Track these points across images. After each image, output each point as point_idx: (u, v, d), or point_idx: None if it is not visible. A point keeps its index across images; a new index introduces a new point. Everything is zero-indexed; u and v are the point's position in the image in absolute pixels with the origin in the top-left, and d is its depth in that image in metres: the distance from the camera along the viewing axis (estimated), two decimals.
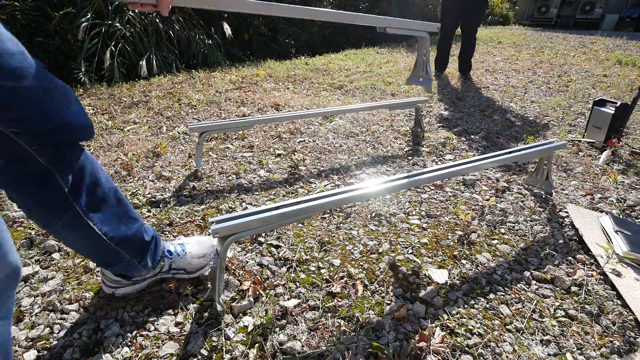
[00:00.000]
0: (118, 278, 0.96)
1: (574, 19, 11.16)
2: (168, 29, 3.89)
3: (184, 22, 4.04)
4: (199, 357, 0.84)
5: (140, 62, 3.45)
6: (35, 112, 0.61)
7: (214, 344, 0.87)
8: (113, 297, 1.00)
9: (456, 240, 1.28)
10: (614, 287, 1.08)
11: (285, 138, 2.18)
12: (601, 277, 1.12)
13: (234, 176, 1.71)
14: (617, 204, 1.54)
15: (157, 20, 3.77)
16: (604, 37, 7.28)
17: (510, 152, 1.39)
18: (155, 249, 0.95)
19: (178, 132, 2.25)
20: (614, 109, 2.05)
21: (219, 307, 0.94)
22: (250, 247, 1.22)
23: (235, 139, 2.15)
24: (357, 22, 1.68)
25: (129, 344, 0.87)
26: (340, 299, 1.01)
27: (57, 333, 0.90)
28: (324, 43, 6.08)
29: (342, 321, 0.94)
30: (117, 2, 3.47)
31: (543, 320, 0.97)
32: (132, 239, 0.87)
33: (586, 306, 1.01)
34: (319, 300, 1.00)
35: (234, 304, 0.98)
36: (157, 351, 0.85)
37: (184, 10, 4.12)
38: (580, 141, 2.16)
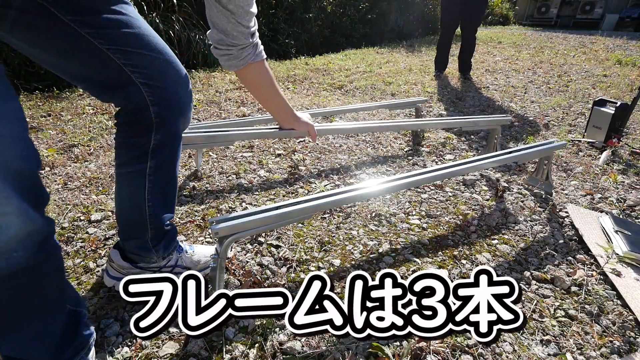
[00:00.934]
0: (125, 263, 0.96)
1: (574, 19, 11.16)
2: (168, 29, 3.89)
3: (184, 22, 4.04)
4: (199, 357, 0.84)
5: None
6: (157, 74, 0.79)
7: (214, 344, 0.87)
8: (113, 297, 1.00)
9: (456, 240, 1.28)
10: (614, 287, 1.08)
11: (285, 138, 2.18)
12: (601, 277, 1.12)
13: (234, 176, 1.71)
14: (617, 204, 1.54)
15: (157, 20, 3.77)
16: (604, 37, 7.28)
17: (510, 152, 1.39)
18: (171, 239, 0.99)
19: None
20: (614, 109, 2.05)
21: None
22: (250, 247, 1.22)
23: None
24: (437, 127, 2.22)
25: (129, 343, 0.87)
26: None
27: None
28: (324, 43, 6.08)
29: None
30: None
31: (543, 320, 0.97)
32: (161, 221, 0.93)
33: (586, 306, 1.01)
34: None
35: None
36: (157, 351, 0.85)
37: (184, 10, 4.12)
38: (580, 141, 2.16)
